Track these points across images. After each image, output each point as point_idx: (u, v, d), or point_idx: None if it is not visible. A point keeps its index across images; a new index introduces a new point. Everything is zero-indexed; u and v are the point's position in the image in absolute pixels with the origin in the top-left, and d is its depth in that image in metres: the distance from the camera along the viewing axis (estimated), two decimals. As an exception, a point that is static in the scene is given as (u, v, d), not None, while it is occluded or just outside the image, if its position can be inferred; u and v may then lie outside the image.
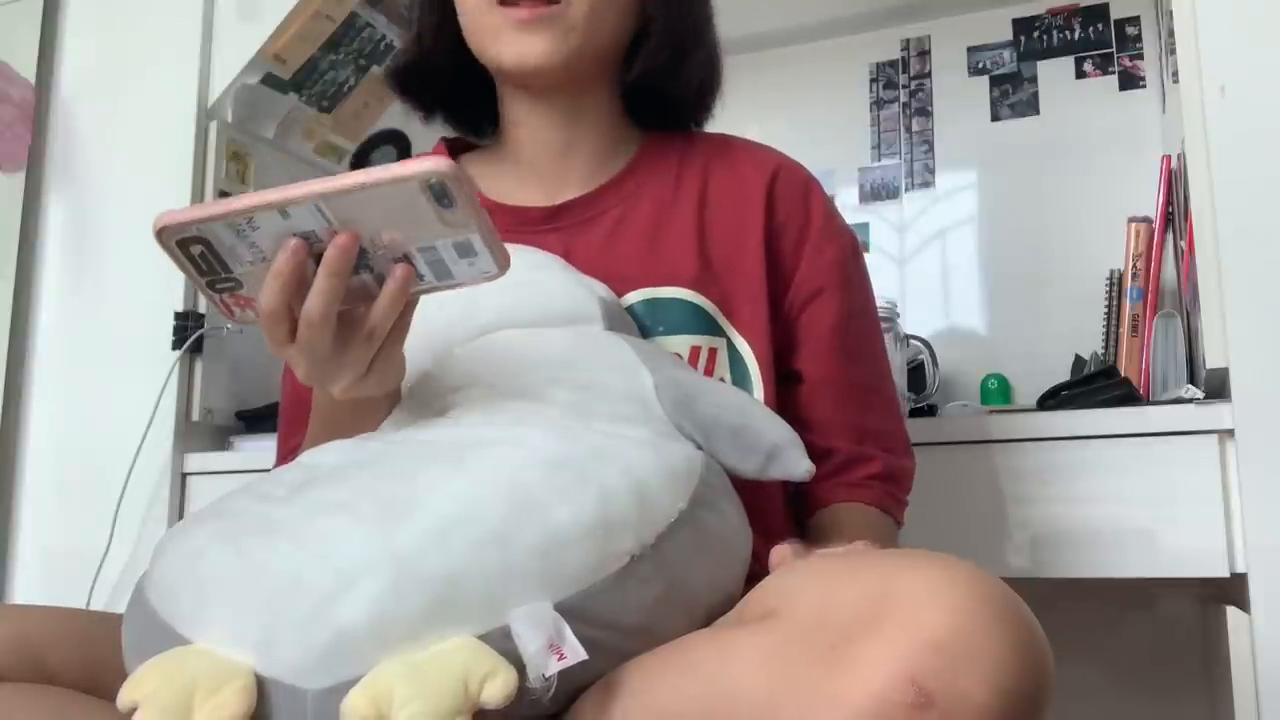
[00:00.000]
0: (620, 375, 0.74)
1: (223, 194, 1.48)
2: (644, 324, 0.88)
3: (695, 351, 0.87)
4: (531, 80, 0.90)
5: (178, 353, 1.41)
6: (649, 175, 0.94)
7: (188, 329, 1.42)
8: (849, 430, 0.91)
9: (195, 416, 1.43)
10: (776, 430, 0.73)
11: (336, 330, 0.64)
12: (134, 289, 1.48)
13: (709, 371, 0.87)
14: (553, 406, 0.70)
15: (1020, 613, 0.50)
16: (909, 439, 0.95)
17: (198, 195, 1.46)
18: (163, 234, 0.59)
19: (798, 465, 0.71)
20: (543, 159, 0.94)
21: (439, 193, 0.57)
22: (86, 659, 0.68)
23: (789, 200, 0.93)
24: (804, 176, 0.96)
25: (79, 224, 1.55)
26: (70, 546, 1.44)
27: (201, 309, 1.44)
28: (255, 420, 1.47)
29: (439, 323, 0.80)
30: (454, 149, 1.00)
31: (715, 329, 0.89)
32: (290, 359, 0.66)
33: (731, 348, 0.89)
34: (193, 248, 0.60)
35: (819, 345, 0.91)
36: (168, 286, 1.45)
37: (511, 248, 0.86)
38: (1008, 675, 0.47)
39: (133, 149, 1.53)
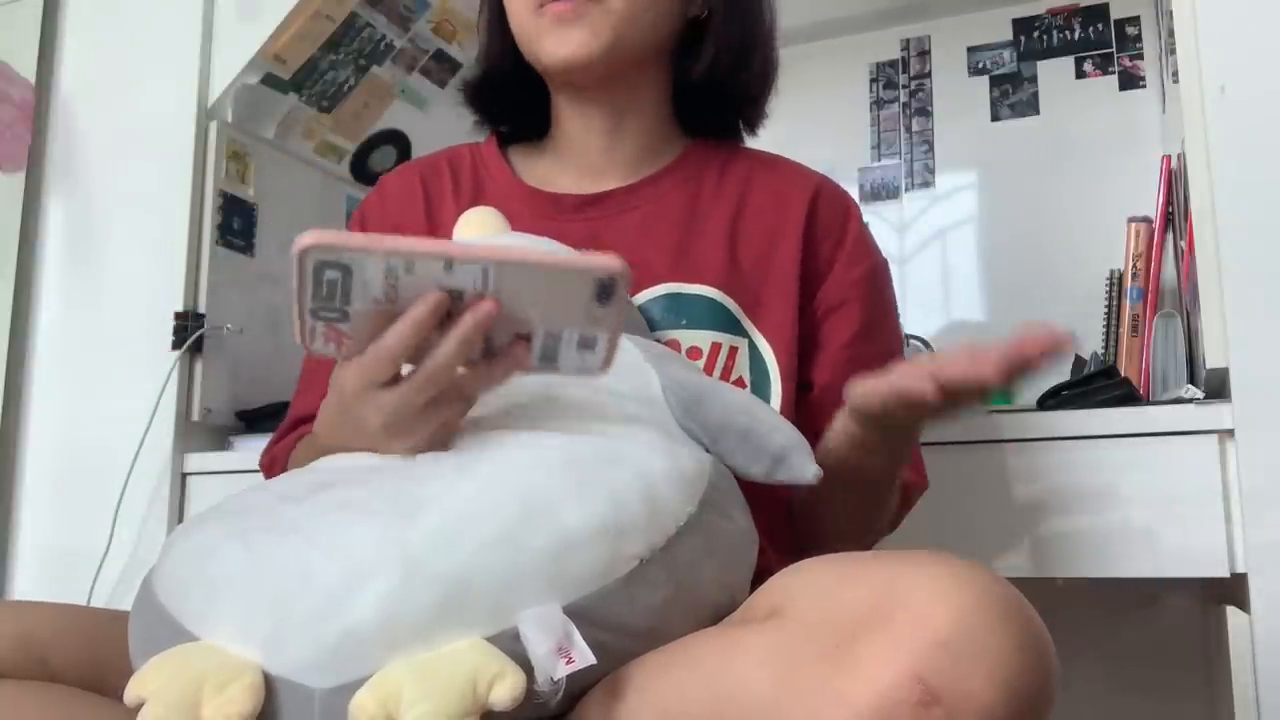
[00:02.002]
0: (627, 376, 0.74)
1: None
2: (668, 317, 0.88)
3: (716, 348, 0.88)
4: (573, 76, 0.91)
5: (178, 353, 1.41)
6: (689, 175, 0.95)
7: (188, 329, 1.42)
8: None
9: (195, 416, 1.43)
10: (784, 433, 0.73)
11: None
12: (134, 289, 1.48)
13: (728, 370, 0.88)
14: (566, 406, 0.70)
15: (1024, 611, 0.50)
16: (920, 460, 0.94)
17: (198, 195, 1.46)
18: (308, 251, 0.55)
19: (805, 469, 0.71)
20: (587, 152, 0.96)
21: (603, 290, 0.57)
22: (90, 656, 0.68)
23: (828, 218, 0.94)
24: (845, 197, 0.98)
25: (79, 224, 1.55)
26: (70, 546, 1.44)
27: (201, 309, 1.44)
28: (255, 420, 1.47)
29: None
30: (502, 140, 1.02)
31: (738, 329, 0.89)
32: (373, 405, 0.63)
33: (753, 348, 0.89)
34: (329, 272, 0.56)
35: (833, 356, 0.92)
36: (168, 286, 1.45)
37: (529, 238, 0.88)
38: (1013, 672, 0.47)
39: (133, 149, 1.52)
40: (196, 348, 1.43)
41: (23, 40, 1.59)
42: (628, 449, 0.64)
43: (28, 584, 1.48)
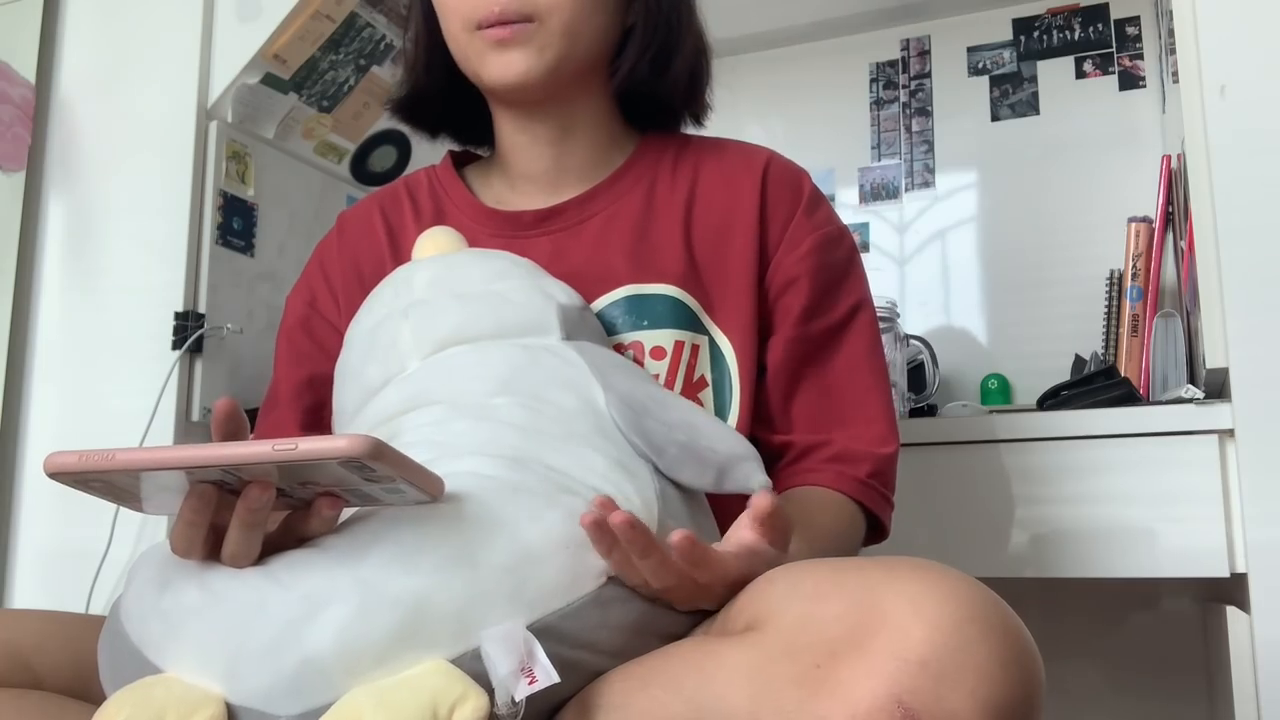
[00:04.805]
0: (571, 392, 0.73)
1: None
2: (629, 319, 0.88)
3: (679, 346, 0.87)
4: (516, 96, 0.91)
5: (178, 353, 1.41)
6: (641, 176, 0.95)
7: (188, 329, 1.42)
8: (808, 422, 0.89)
9: (195, 416, 1.43)
10: (728, 444, 0.72)
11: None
12: (134, 289, 1.48)
13: (691, 367, 0.87)
14: (504, 428, 0.69)
15: (1008, 624, 0.49)
16: (891, 430, 0.91)
17: (198, 195, 1.46)
18: (56, 478, 0.53)
19: (751, 479, 0.70)
20: (536, 169, 0.96)
21: (358, 466, 0.52)
22: (75, 663, 0.68)
23: (779, 197, 0.93)
24: (795, 169, 0.96)
25: (79, 224, 1.55)
26: (70, 546, 1.44)
27: (201, 309, 1.44)
28: (255, 420, 1.46)
29: (396, 334, 0.80)
30: (458, 160, 1.03)
31: (698, 326, 0.88)
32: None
33: (713, 345, 0.89)
34: (92, 483, 0.55)
35: (783, 337, 0.90)
36: (168, 286, 1.44)
37: (479, 254, 0.88)
38: (995, 691, 0.46)
39: (133, 149, 1.52)
40: (196, 348, 1.43)
41: (23, 40, 1.59)
42: (574, 484, 0.64)
43: (27, 585, 1.48)
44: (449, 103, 0.98)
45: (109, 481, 0.55)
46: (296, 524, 0.59)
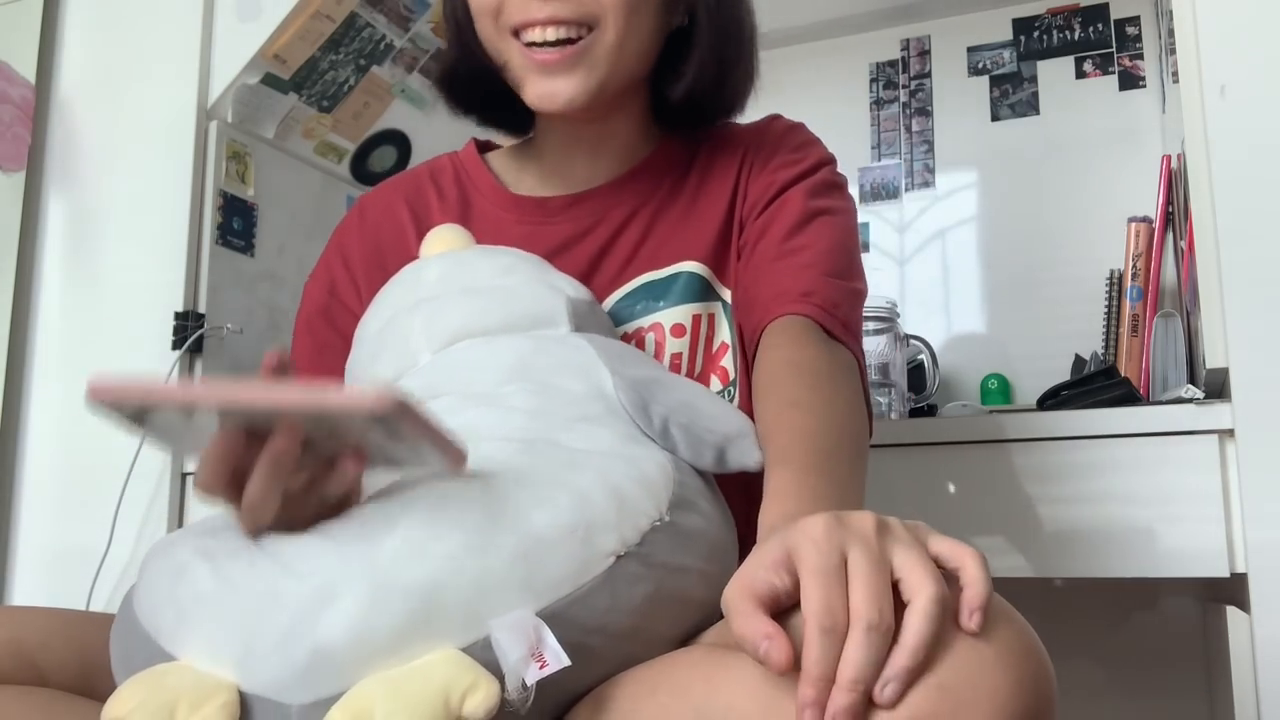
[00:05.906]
0: (579, 378, 0.74)
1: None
2: (648, 303, 0.90)
3: (697, 320, 0.89)
4: (559, 115, 0.90)
5: (178, 353, 1.41)
6: (666, 164, 0.96)
7: (188, 329, 1.42)
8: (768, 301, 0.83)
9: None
10: (726, 422, 0.73)
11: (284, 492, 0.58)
12: (134, 289, 1.48)
13: (710, 337, 0.89)
14: (514, 414, 0.70)
15: (1024, 642, 0.49)
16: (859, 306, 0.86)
17: (198, 195, 1.46)
18: (94, 401, 0.54)
19: (746, 457, 0.70)
20: (571, 163, 0.96)
21: (383, 423, 0.52)
22: (80, 660, 0.68)
23: (761, 143, 0.94)
24: (792, 123, 0.97)
25: (79, 224, 1.55)
26: (70, 546, 1.44)
27: (201, 309, 1.44)
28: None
29: (407, 330, 0.81)
30: (482, 148, 1.02)
31: (712, 295, 0.90)
32: (234, 516, 0.60)
33: (727, 309, 0.90)
34: (126, 412, 0.55)
35: (745, 254, 0.88)
36: (168, 286, 1.45)
37: (487, 250, 0.88)
38: (1013, 712, 0.46)
39: (133, 149, 1.52)
40: (196, 348, 1.43)
41: (23, 40, 1.59)
42: (586, 459, 0.64)
43: (28, 584, 1.48)
44: (487, 89, 0.94)
45: (144, 416, 0.55)
46: (320, 480, 0.58)
